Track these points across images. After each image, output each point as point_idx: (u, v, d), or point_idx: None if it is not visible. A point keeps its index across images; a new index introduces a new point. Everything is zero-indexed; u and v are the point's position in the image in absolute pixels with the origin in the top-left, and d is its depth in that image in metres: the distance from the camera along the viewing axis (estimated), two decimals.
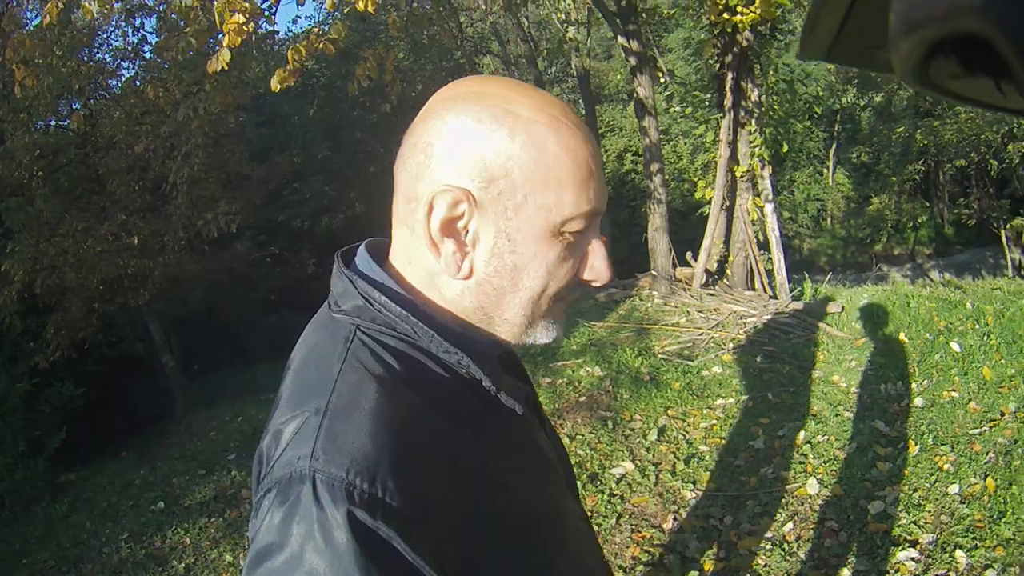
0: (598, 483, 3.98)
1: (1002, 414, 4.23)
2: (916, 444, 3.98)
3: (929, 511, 3.34)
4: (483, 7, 11.59)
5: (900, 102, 19.61)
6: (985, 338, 5.39)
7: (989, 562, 2.93)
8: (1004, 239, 16.78)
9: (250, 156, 10.16)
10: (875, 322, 6.19)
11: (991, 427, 4.10)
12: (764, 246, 7.57)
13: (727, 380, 5.21)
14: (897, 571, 2.92)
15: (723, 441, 4.33)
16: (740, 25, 6.37)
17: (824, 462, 3.93)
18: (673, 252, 7.85)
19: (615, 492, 3.88)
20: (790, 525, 3.37)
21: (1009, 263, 8.69)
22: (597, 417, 4.79)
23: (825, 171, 21.46)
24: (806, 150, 20.92)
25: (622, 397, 5.07)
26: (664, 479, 3.95)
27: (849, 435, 4.23)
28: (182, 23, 5.02)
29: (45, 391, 7.22)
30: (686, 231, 8.77)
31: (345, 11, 4.12)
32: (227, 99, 5.56)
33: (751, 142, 7.17)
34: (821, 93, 16.36)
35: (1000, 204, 17.41)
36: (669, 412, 4.78)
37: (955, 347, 5.25)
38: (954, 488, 3.47)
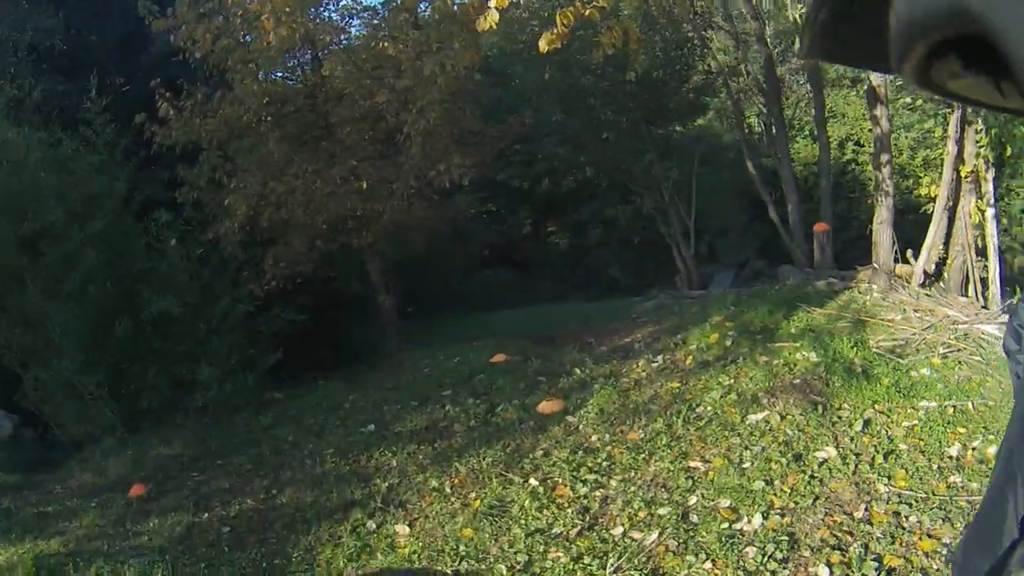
0: (802, 463, 4.65)
1: None
2: None
3: None
4: None
5: None
6: None
7: None
8: None
9: (483, 115, 10.99)
10: None
11: None
12: (981, 252, 7.82)
13: (933, 383, 5.65)
14: None
15: (922, 442, 4.85)
16: None
17: None
18: (896, 247, 8.19)
19: (816, 475, 4.50)
20: None
21: None
22: (808, 401, 5.40)
23: None
24: None
25: (834, 385, 5.63)
26: (862, 469, 4.53)
27: None
28: None
29: (263, 315, 7.92)
30: (903, 228, 9.09)
31: None
32: (475, 57, 6.08)
33: (977, 141, 7.33)
34: None
35: None
36: (876, 406, 5.32)
37: None
38: None
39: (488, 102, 13.40)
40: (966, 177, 7.56)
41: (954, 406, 5.35)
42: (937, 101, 8.23)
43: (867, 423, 5.13)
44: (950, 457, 4.69)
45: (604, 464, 4.83)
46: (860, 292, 7.85)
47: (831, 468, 4.60)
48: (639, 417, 5.44)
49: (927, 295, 7.57)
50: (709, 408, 5.50)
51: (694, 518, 4.13)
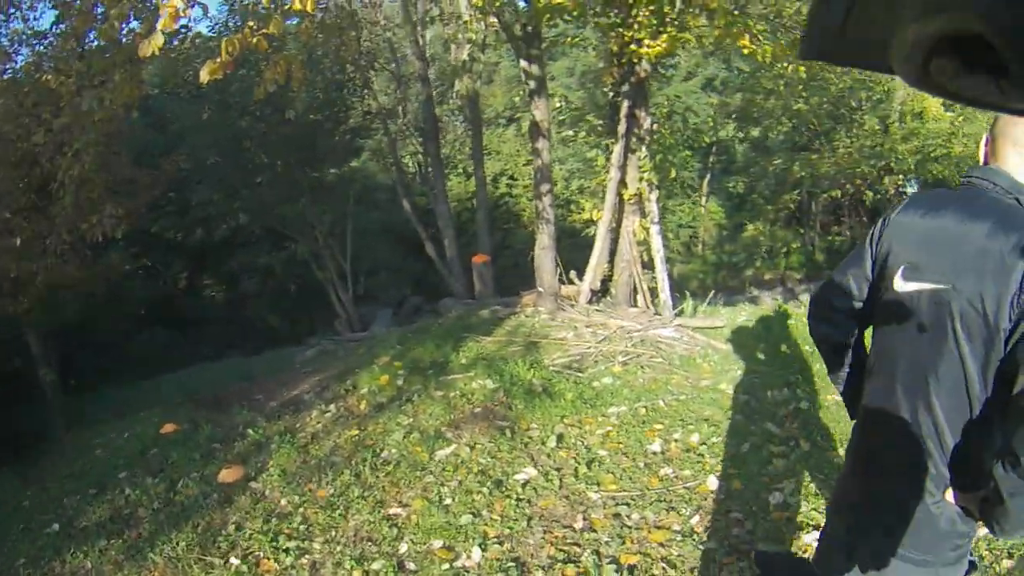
0: (504, 488, 4.42)
1: None
2: (807, 442, 4.77)
3: (827, 498, 3.95)
4: (383, 22, 12.35)
5: (776, 136, 21.90)
6: None
7: None
8: None
9: (135, 159, 10.39)
10: (756, 336, 7.20)
11: None
12: (647, 266, 8.55)
13: (618, 390, 5.87)
14: (804, 551, 3.52)
15: (621, 446, 4.90)
16: (646, 57, 7.22)
17: (721, 461, 4.61)
18: (560, 270, 8.60)
19: (522, 496, 4.32)
20: (696, 518, 3.94)
21: None
22: (495, 427, 5.27)
23: (698, 200, 23.39)
24: (681, 180, 22.82)
25: (517, 408, 5.58)
26: (568, 482, 4.45)
27: (742, 436, 4.94)
28: (97, 7, 5.11)
29: None
30: (561, 252, 9.78)
31: (286, 7, 4.33)
32: (135, 92, 5.67)
33: (640, 167, 8.10)
34: (706, 123, 18.16)
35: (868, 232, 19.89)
36: (565, 420, 5.35)
37: None
38: None
39: (142, 144, 12.85)
40: (629, 200, 8.29)
41: (645, 406, 5.53)
42: (600, 133, 9.03)
43: (560, 438, 5.10)
44: (654, 453, 4.81)
45: (301, 528, 4.47)
46: (527, 316, 8.07)
47: (536, 487, 4.45)
48: (324, 472, 5.04)
49: (597, 311, 8.03)
50: (394, 451, 5.19)
51: (411, 565, 3.86)
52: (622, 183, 8.19)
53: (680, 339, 6.90)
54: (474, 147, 11.64)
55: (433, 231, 12.19)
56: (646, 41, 6.97)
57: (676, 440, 4.93)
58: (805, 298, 22.17)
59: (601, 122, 9.04)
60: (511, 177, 21.56)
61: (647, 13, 6.82)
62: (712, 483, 4.28)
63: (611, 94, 8.46)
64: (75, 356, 12.85)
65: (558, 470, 4.63)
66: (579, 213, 22.88)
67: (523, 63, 7.91)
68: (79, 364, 13.06)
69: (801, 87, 14.39)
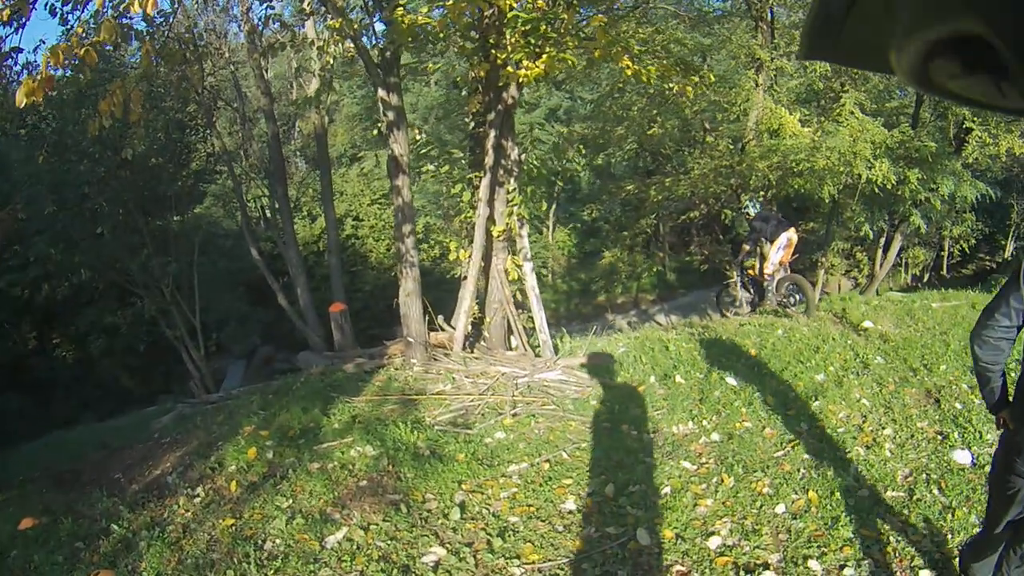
0: (412, 575, 3.78)
1: (798, 434, 4.97)
2: (729, 476, 4.43)
3: (766, 533, 3.73)
4: (226, 55, 11.33)
5: (619, 162, 22.38)
6: (755, 369, 6.33)
7: (842, 563, 3.41)
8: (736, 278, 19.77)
9: None
10: (643, 367, 6.87)
11: (792, 447, 4.79)
12: (520, 305, 8.09)
13: (513, 445, 5.31)
14: None
15: (532, 508, 4.37)
16: (523, 79, 6.59)
17: (645, 510, 4.16)
18: (428, 316, 7.93)
19: None
20: None
21: (740, 298, 10.35)
22: (386, 502, 4.58)
23: (545, 230, 23.47)
24: (518, 215, 22.87)
25: (407, 477, 4.90)
26: (484, 559, 3.86)
27: (660, 480, 4.55)
28: None
29: None
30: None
31: (122, 8, 3.67)
32: None
33: (510, 200, 7.60)
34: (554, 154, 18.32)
35: (722, 248, 20.62)
36: (463, 486, 4.72)
37: (731, 381, 6.09)
38: (780, 508, 3.96)
39: None
40: (499, 236, 7.77)
41: (547, 460, 5.04)
42: (463, 167, 8.44)
43: (463, 507, 4.49)
44: (570, 512, 4.35)
45: None
46: (397, 369, 7.40)
47: (449, 569, 3.83)
48: (204, 573, 4.20)
49: (474, 358, 7.39)
50: (279, 541, 4.37)
51: None
52: (490, 219, 7.68)
53: (568, 381, 6.43)
54: (323, 187, 10.72)
55: (284, 279, 11.53)
56: (524, 63, 6.46)
57: (591, 494, 4.50)
58: (661, 318, 22.98)
59: (462, 155, 8.57)
60: (356, 218, 20.91)
61: (517, 36, 6.33)
62: (643, 537, 3.87)
63: (472, 124, 7.99)
64: None
65: (469, 545, 4.04)
66: (431, 250, 22.89)
67: (381, 92, 7.19)
68: None
69: (656, 112, 14.58)
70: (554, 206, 23.50)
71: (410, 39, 6.54)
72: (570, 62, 6.44)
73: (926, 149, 11.91)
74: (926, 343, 7.00)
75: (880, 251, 15.54)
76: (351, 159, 21.46)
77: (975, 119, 13.24)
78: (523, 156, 7.88)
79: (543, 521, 4.23)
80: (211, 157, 12.39)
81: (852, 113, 11.85)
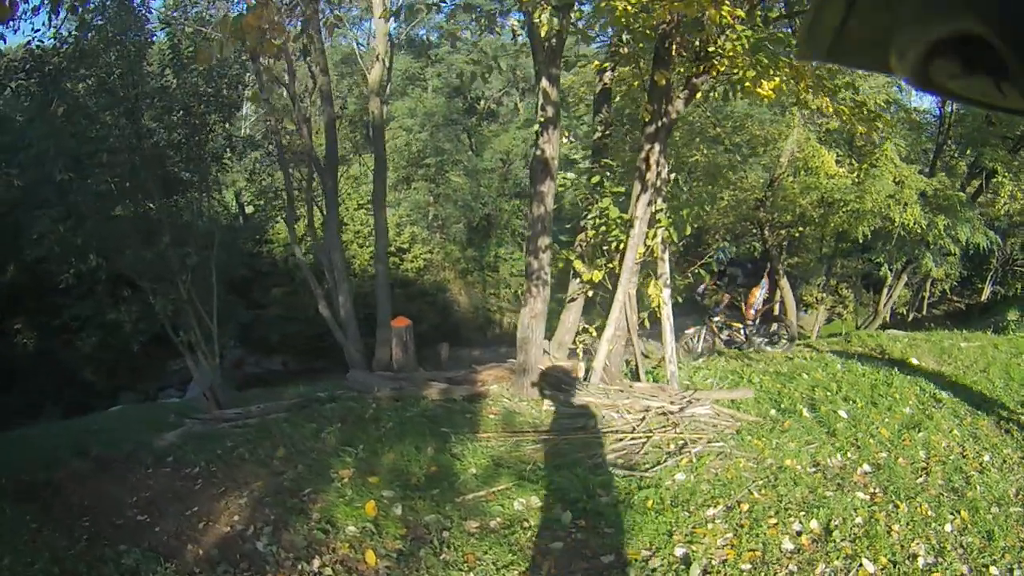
0: None
1: (923, 461, 5.36)
2: (901, 503, 4.60)
3: (950, 550, 4.07)
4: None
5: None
6: (850, 403, 6.71)
7: (1011, 566, 3.99)
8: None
9: None
10: (773, 400, 6.73)
11: (926, 474, 5.18)
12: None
13: (696, 487, 4.81)
14: None
15: (757, 554, 4.05)
16: (764, 94, 5.78)
17: (852, 541, 4.13)
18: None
19: None
20: None
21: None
22: (602, 567, 3.97)
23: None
24: (511, 228, 22.61)
25: (605, 531, 4.29)
26: None
27: (848, 511, 4.46)
28: None
29: None
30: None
31: None
32: None
33: (657, 222, 6.96)
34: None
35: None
36: (675, 536, 4.17)
37: (843, 414, 6.32)
38: (948, 527, 4.33)
39: None
40: (637, 259, 7.07)
41: (740, 501, 4.66)
42: (613, 180, 7.57)
43: (687, 560, 4.00)
44: (793, 552, 4.13)
45: None
46: (507, 399, 6.77)
47: None
48: None
49: (618, 390, 6.67)
50: None
51: None
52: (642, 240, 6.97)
53: (717, 416, 5.92)
54: (376, 187, 9.72)
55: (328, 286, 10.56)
56: (762, 82, 5.63)
57: (798, 532, 4.27)
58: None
59: (616, 165, 7.89)
60: (340, 222, 20.18)
61: (736, 48, 5.54)
62: (868, 566, 3.87)
63: (597, 134, 7.52)
64: None
65: None
66: (414, 262, 22.23)
67: (544, 83, 6.41)
68: None
69: (697, 139, 14.37)
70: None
71: (623, 23, 5.77)
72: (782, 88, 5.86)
73: (955, 198, 12.37)
74: (976, 379, 7.68)
75: (886, 289, 15.85)
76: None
77: (1007, 173, 13.89)
78: (672, 176, 7.29)
79: (776, 564, 3.95)
80: (231, 139, 11.00)
81: (892, 160, 11.88)
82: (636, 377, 7.45)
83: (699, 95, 6.68)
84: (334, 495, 5.25)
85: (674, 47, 6.28)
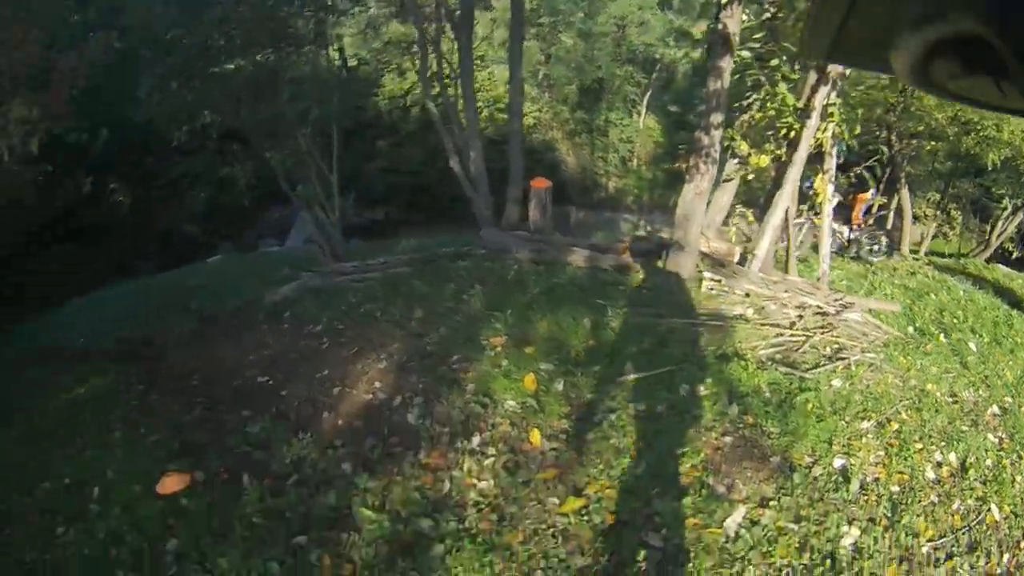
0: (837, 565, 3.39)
1: None
2: None
3: None
4: None
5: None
6: (976, 334, 6.52)
7: None
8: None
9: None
10: (934, 321, 6.71)
11: None
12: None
13: (850, 396, 4.81)
14: None
15: (904, 477, 4.07)
16: None
17: (984, 484, 4.07)
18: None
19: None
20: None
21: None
22: (770, 468, 4.02)
23: (636, 115, 22.63)
24: (623, 93, 22.05)
25: (771, 432, 4.33)
26: (890, 537, 3.58)
27: (979, 452, 4.37)
28: None
29: None
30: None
31: None
32: None
33: (828, 115, 6.72)
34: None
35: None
36: (833, 445, 4.23)
37: (972, 347, 6.13)
38: None
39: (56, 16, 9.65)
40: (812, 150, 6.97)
41: (889, 419, 4.63)
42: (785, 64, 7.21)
43: (845, 473, 4.05)
44: (935, 483, 4.11)
45: None
46: (664, 276, 6.83)
47: (871, 553, 3.48)
48: None
49: (775, 281, 6.65)
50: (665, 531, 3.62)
51: None
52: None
53: (868, 324, 5.91)
54: (513, 39, 9.56)
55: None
56: None
57: (939, 463, 4.24)
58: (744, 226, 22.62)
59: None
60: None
61: None
62: (994, 511, 3.81)
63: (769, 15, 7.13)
64: None
65: (873, 521, 3.67)
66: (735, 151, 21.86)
67: None
68: None
69: None
70: (649, 92, 22.63)
71: None
72: None
73: None
74: None
75: (1000, 222, 15.16)
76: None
77: None
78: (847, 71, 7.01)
79: (921, 492, 3.94)
80: None
81: None
82: (785, 269, 7.44)
83: None
84: (487, 364, 5.18)
85: None
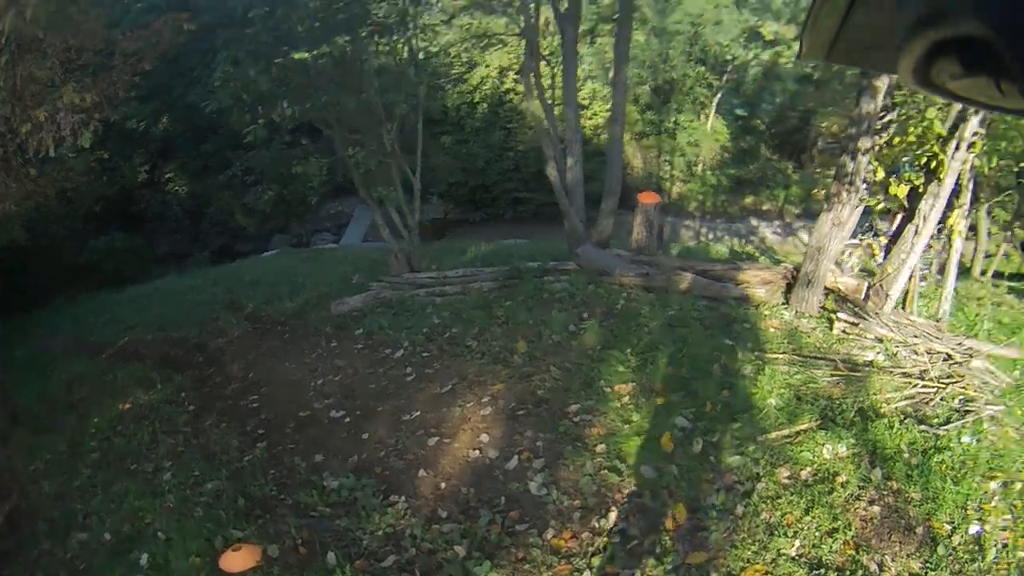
0: None
1: None
2: None
3: None
4: None
5: (786, 63, 21.31)
6: None
7: None
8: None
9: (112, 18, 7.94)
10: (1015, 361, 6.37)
11: None
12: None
13: (979, 454, 4.74)
14: None
15: None
16: None
17: None
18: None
19: None
20: None
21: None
22: (916, 541, 4.01)
23: (704, 117, 22.54)
24: (694, 95, 22.01)
25: (912, 497, 4.29)
26: None
27: None
28: None
29: None
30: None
31: None
32: None
33: (972, 145, 6.41)
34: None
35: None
36: (968, 510, 4.22)
37: None
38: None
39: None
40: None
41: (1013, 480, 4.53)
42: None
43: (981, 542, 4.01)
44: None
45: None
46: (787, 315, 6.68)
47: None
48: None
49: (908, 324, 6.56)
50: None
51: None
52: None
53: (988, 372, 5.86)
54: (619, 39, 8.86)
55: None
56: None
57: None
58: (804, 236, 22.38)
59: None
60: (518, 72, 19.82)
61: None
62: None
63: None
64: (20, 274, 11.56)
65: None
66: (593, 119, 22.03)
67: None
68: (25, 282, 11.74)
69: None
70: (718, 95, 22.55)
71: None
72: None
73: None
74: None
75: None
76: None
77: None
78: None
79: None
80: None
81: None
82: (904, 306, 7.25)
83: None
84: (615, 418, 4.88)
85: None
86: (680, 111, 21.88)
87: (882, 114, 6.76)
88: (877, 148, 6.83)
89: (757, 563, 3.84)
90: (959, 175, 6.63)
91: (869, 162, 6.59)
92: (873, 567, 3.83)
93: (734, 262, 7.88)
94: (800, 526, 4.09)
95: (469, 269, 8.56)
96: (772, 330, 6.35)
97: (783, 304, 6.98)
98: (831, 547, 3.95)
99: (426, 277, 8.08)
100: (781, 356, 5.87)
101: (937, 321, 6.95)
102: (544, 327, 6.09)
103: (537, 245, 11.34)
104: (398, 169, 9.35)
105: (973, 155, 6.54)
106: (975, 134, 6.35)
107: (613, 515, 4.08)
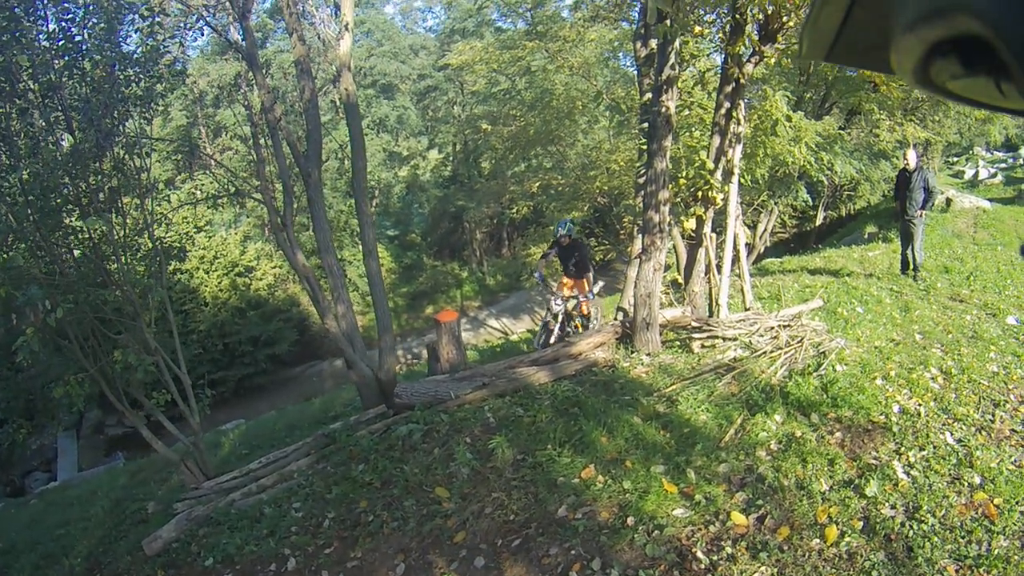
0: None
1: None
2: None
3: None
4: None
5: (423, 173, 23.52)
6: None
7: None
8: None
9: None
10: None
11: None
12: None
13: (853, 370, 6.90)
14: None
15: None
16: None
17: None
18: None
19: None
20: None
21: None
22: (883, 433, 5.72)
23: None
24: (350, 228, 22.93)
25: (843, 415, 6.07)
26: None
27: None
28: None
29: None
30: None
31: None
32: None
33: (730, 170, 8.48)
34: None
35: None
36: (881, 403, 6.13)
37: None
38: None
39: None
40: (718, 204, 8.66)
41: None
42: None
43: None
44: None
45: None
46: (638, 358, 7.91)
47: None
48: None
49: (740, 320, 8.39)
50: None
51: None
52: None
53: (811, 324, 7.90)
54: (356, 173, 8.65)
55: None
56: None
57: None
58: (493, 322, 24.22)
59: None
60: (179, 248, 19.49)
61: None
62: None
63: (644, 98, 9.31)
64: None
65: None
66: (259, 280, 21.88)
67: (653, 43, 7.86)
68: None
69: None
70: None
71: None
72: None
73: (836, 136, 15.09)
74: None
75: (760, 225, 18.62)
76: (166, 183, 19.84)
77: (875, 106, 16.71)
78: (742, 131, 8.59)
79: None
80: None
81: (786, 115, 12.72)
82: (710, 311, 8.95)
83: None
84: (614, 494, 5.14)
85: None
86: (341, 247, 22.66)
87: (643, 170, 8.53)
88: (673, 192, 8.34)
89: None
90: (726, 195, 8.64)
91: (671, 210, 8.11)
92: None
93: (567, 342, 8.36)
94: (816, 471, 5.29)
95: (270, 455, 7.47)
96: (646, 375, 7.29)
97: (630, 353, 7.99)
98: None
99: (229, 479, 7.13)
100: (676, 385, 6.88)
101: (758, 308, 8.98)
102: (441, 465, 5.85)
103: (310, 404, 11.01)
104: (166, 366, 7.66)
105: (734, 181, 8.61)
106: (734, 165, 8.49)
107: None
